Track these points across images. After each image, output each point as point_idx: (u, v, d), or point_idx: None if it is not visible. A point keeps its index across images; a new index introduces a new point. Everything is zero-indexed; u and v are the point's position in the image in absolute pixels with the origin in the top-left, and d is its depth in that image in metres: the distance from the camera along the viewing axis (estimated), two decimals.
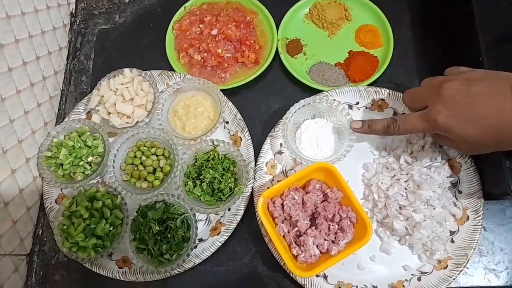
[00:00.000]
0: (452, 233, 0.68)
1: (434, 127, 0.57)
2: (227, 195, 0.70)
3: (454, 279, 0.65)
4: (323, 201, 0.68)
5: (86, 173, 0.73)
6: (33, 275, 0.74)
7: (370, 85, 0.77)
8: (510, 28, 0.69)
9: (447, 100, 0.55)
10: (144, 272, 0.69)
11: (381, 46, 0.82)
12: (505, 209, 0.71)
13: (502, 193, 0.64)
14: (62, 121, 0.81)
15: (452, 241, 0.68)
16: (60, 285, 0.73)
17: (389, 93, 0.75)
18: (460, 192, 0.70)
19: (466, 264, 0.65)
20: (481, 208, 0.67)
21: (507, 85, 0.52)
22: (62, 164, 0.73)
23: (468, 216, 0.68)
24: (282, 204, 0.67)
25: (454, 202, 0.69)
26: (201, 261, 0.69)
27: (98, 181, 0.76)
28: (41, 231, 0.76)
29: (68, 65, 0.89)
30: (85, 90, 0.86)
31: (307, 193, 0.68)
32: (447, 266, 0.66)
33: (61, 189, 0.76)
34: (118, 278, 0.70)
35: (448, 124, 0.55)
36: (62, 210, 0.69)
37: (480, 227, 0.67)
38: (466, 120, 0.54)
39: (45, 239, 0.76)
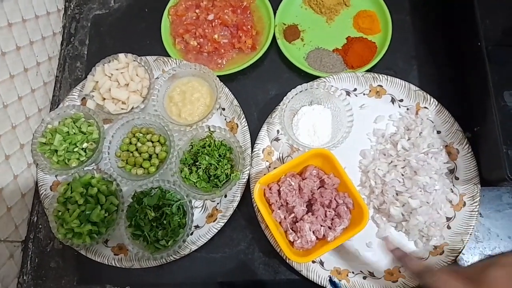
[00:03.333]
0: (448, 219, 0.68)
1: None
2: (223, 181, 0.70)
3: (450, 264, 0.65)
4: (319, 187, 0.68)
5: (81, 159, 0.73)
6: (28, 262, 0.73)
7: (368, 71, 0.76)
8: (510, 14, 0.68)
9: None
10: (140, 259, 0.69)
11: (380, 32, 0.81)
12: (501, 195, 0.71)
13: (499, 179, 0.64)
14: (56, 108, 0.80)
15: (449, 227, 0.67)
16: (56, 272, 0.73)
17: (387, 79, 0.74)
18: (457, 178, 0.69)
19: (462, 250, 0.65)
20: (478, 194, 0.67)
21: None
22: (56, 151, 0.72)
23: (464, 202, 0.68)
24: (279, 191, 0.67)
25: (451, 189, 0.69)
26: (197, 247, 0.69)
27: (93, 167, 0.75)
28: (36, 218, 0.76)
29: (63, 51, 0.87)
30: (80, 76, 0.85)
31: (303, 179, 0.68)
32: (443, 252, 0.66)
33: (56, 176, 0.75)
34: (114, 265, 0.69)
35: None
36: (57, 197, 0.68)
37: (477, 213, 0.67)
38: None
39: (40, 226, 0.76)
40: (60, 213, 0.67)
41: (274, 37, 0.81)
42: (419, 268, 0.54)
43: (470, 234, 0.66)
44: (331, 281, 0.65)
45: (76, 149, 0.72)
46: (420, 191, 0.66)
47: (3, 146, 0.68)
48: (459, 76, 0.76)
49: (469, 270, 0.51)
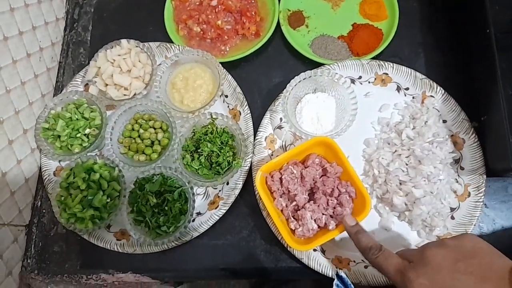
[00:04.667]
0: (452, 209, 0.67)
1: (404, 287, 0.49)
2: (225, 169, 0.69)
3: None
4: (322, 175, 0.67)
5: (84, 145, 0.73)
6: (32, 246, 0.74)
7: (373, 58, 0.75)
8: None
9: (431, 267, 0.48)
10: (142, 244, 0.69)
11: (386, 18, 0.80)
12: (507, 186, 0.70)
13: (505, 170, 0.62)
14: (60, 93, 0.80)
15: (452, 218, 0.67)
16: (59, 256, 0.74)
17: (393, 67, 0.73)
18: (462, 168, 0.68)
19: None
20: (483, 184, 0.66)
21: (501, 273, 0.45)
22: (59, 136, 0.73)
23: (469, 193, 0.67)
24: (281, 178, 0.67)
25: (456, 179, 0.68)
26: (199, 234, 0.69)
27: (96, 153, 0.75)
28: (40, 202, 0.77)
29: (66, 36, 0.87)
30: (83, 62, 0.85)
31: (306, 167, 0.67)
32: None
33: (59, 162, 0.76)
34: (116, 250, 0.70)
35: None
36: (60, 182, 0.69)
37: (481, 203, 0.66)
38: None
39: (44, 211, 0.76)
40: (62, 198, 0.68)
41: (278, 24, 0.80)
42: (369, 245, 0.55)
43: (474, 225, 0.65)
44: (338, 276, 0.64)
45: (78, 135, 0.72)
46: (424, 180, 0.65)
47: (6, 131, 0.68)
48: (467, 64, 0.75)
49: (414, 250, 0.53)
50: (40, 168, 0.76)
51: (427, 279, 0.47)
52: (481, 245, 0.49)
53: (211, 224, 0.69)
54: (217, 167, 0.70)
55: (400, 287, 0.49)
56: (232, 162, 0.69)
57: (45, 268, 0.73)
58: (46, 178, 0.75)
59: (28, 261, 0.74)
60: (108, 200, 0.67)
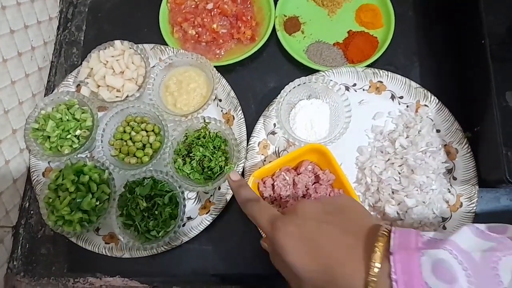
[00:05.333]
0: (444, 219, 0.67)
1: (272, 236, 0.47)
2: (217, 173, 0.69)
3: None
4: (314, 183, 0.67)
5: (74, 146, 0.72)
6: (19, 247, 0.73)
7: (368, 66, 0.75)
8: None
9: (300, 216, 0.47)
10: (131, 248, 0.68)
11: (382, 26, 0.80)
12: (499, 197, 0.70)
13: (498, 180, 0.62)
14: (51, 94, 0.79)
15: (444, 228, 0.66)
16: (46, 259, 0.73)
17: (388, 75, 0.73)
18: (455, 178, 0.68)
19: None
20: (476, 195, 0.66)
21: (363, 228, 0.45)
22: (49, 137, 0.71)
23: (461, 203, 0.67)
24: (273, 185, 0.66)
25: (448, 188, 0.68)
26: (189, 239, 0.68)
27: (86, 155, 0.74)
28: (27, 204, 0.75)
29: (59, 36, 0.86)
30: (76, 62, 0.84)
31: (298, 174, 0.67)
32: None
33: (48, 163, 0.75)
34: (104, 253, 0.69)
35: (284, 242, 0.46)
36: (48, 183, 0.68)
37: (473, 214, 0.66)
38: (307, 250, 0.45)
39: (32, 212, 0.75)
40: (51, 200, 0.66)
41: (274, 29, 0.79)
42: (247, 197, 0.55)
43: None
44: None
45: (69, 136, 0.71)
46: (417, 190, 0.65)
47: None
48: (461, 75, 0.75)
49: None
50: (28, 169, 0.75)
51: (294, 226, 0.46)
52: (354, 204, 0.50)
53: (201, 229, 0.68)
54: (208, 172, 0.69)
55: (270, 237, 0.49)
56: (224, 167, 0.69)
57: (32, 271, 0.72)
58: (34, 179, 0.74)
59: (14, 263, 0.72)
60: (97, 203, 0.66)
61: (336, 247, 0.44)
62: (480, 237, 0.41)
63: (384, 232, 0.43)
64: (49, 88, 0.82)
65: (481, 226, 0.43)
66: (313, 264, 0.44)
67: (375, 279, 0.40)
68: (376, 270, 0.40)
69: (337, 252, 0.44)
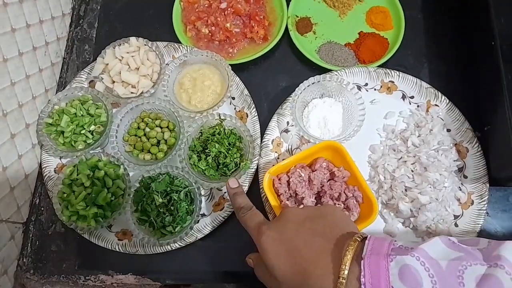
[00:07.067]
0: (456, 217, 0.68)
1: (257, 240, 0.51)
2: (232, 170, 0.69)
3: None
4: (329, 179, 0.68)
5: (88, 142, 0.71)
6: (29, 244, 0.72)
7: (379, 67, 0.76)
8: None
9: (282, 221, 0.51)
10: (145, 244, 0.67)
11: (392, 28, 0.81)
12: (508, 196, 0.71)
13: (508, 178, 0.64)
14: (63, 90, 0.79)
15: (456, 225, 0.67)
16: (57, 256, 0.72)
17: (399, 75, 0.74)
18: (465, 177, 0.70)
19: None
20: (486, 193, 0.67)
21: (336, 234, 0.48)
22: (63, 132, 0.71)
23: (472, 201, 0.68)
24: (288, 181, 0.67)
25: (459, 187, 0.69)
26: (202, 236, 0.68)
27: (99, 151, 0.74)
28: (38, 200, 0.74)
29: (71, 32, 0.86)
30: (88, 59, 0.84)
31: (313, 171, 0.67)
32: None
33: (60, 158, 0.74)
34: (117, 250, 0.68)
35: (266, 245, 0.49)
36: (63, 178, 0.67)
37: (485, 212, 0.67)
38: (285, 252, 0.48)
39: (42, 208, 0.74)
40: (65, 195, 0.66)
41: (286, 29, 0.80)
42: (241, 205, 0.58)
43: (477, 233, 0.66)
44: None
45: (83, 131, 0.71)
46: (430, 187, 0.66)
47: (9, 124, 0.66)
48: (471, 75, 0.76)
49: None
50: (40, 165, 0.75)
51: (275, 231, 0.50)
52: (337, 213, 0.53)
53: (215, 226, 0.68)
54: (224, 168, 0.69)
55: (255, 241, 0.52)
56: (239, 163, 0.69)
57: (41, 268, 0.71)
58: (46, 175, 0.73)
59: (24, 260, 0.71)
60: (113, 198, 0.66)
61: (311, 249, 0.47)
62: (450, 248, 0.44)
63: (357, 238, 0.46)
64: (61, 84, 0.82)
65: (454, 239, 0.45)
66: (289, 264, 0.47)
67: (344, 281, 0.42)
68: (345, 272, 0.43)
69: (311, 254, 0.46)
